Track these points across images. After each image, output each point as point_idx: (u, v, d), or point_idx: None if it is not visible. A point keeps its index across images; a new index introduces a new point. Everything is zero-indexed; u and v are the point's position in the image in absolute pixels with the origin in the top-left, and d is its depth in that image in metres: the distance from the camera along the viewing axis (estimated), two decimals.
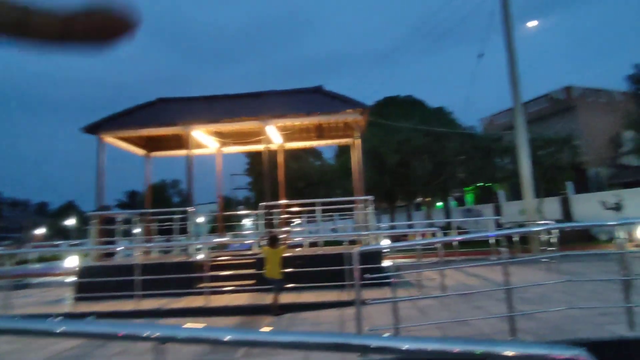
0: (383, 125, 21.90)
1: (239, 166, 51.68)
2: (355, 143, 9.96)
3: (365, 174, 22.14)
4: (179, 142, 11.24)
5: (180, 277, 7.42)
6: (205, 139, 10.62)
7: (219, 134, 10.96)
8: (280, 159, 11.32)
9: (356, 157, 10.26)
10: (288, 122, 8.67)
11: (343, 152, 30.13)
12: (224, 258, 9.14)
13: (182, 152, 11.34)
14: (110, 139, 9.31)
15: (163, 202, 63.39)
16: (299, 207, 10.84)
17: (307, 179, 38.16)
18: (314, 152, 51.90)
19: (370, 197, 8.20)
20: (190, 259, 8.02)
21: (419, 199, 29.04)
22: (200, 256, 8.53)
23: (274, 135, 10.38)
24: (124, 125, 8.88)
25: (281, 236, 6.76)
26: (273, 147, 11.18)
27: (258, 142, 11.18)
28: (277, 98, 9.60)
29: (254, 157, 48.59)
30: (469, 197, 34.76)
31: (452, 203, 34.44)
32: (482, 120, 34.29)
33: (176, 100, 10.11)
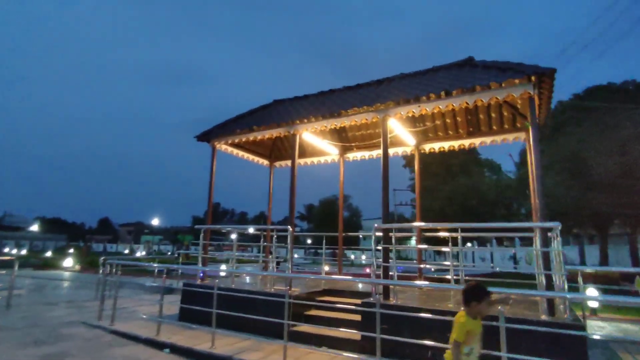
0: (585, 122, 15.96)
1: (403, 180, 49.13)
2: (530, 137, 6.43)
3: (558, 188, 16.49)
4: (304, 148, 9.89)
5: (266, 315, 5.72)
6: (322, 144, 8.89)
7: (335, 137, 9.07)
8: (416, 166, 8.56)
9: (533, 160, 6.66)
10: (417, 108, 5.99)
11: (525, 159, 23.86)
12: (333, 291, 7.07)
13: (307, 161, 9.98)
14: (223, 146, 8.61)
15: (332, 216, 66.69)
16: (446, 231, 7.83)
17: (479, 197, 32.63)
18: (490, 166, 44.91)
19: (553, 225, 4.72)
20: (282, 293, 6.25)
21: None
22: (298, 290, 6.70)
23: (403, 133, 7.78)
24: (232, 130, 7.97)
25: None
26: (405, 149, 8.56)
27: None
28: (407, 81, 7.05)
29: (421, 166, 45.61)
30: None
31: None
32: None
33: (292, 100, 8.77)
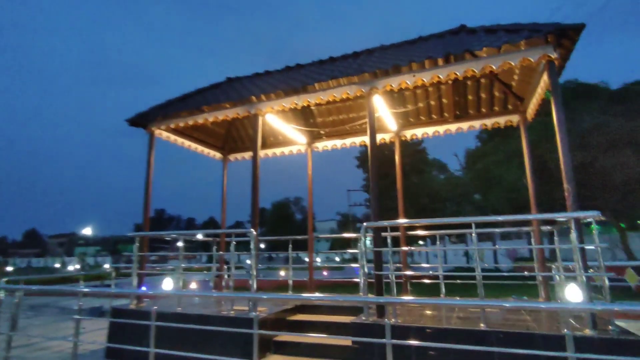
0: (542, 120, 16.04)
1: (356, 180, 48.83)
2: (555, 115, 5.58)
3: (519, 182, 16.48)
4: (265, 138, 8.45)
5: (223, 347, 4.25)
6: (288, 131, 7.52)
7: (302, 124, 7.75)
8: (397, 157, 7.48)
9: (559, 140, 5.79)
10: (412, 79, 4.85)
11: (479, 155, 23.97)
12: (308, 307, 5.78)
13: (268, 152, 8.55)
14: (165, 133, 6.93)
15: (285, 220, 65.13)
16: (425, 229, 6.82)
17: (430, 195, 32.92)
18: (437, 165, 45.94)
19: (592, 214, 3.78)
20: (246, 316, 4.79)
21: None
22: (265, 309, 5.27)
23: (386, 116, 6.65)
24: (176, 112, 6.35)
25: None
26: (384, 136, 7.45)
27: (362, 131, 7.57)
28: (392, 52, 5.91)
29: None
30: None
31: None
32: None
33: (250, 77, 7.31)
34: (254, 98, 5.69)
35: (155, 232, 6.97)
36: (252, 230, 5.26)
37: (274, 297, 4.90)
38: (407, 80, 4.90)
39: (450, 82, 6.56)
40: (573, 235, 3.88)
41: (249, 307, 5.10)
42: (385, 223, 4.85)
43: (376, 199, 4.90)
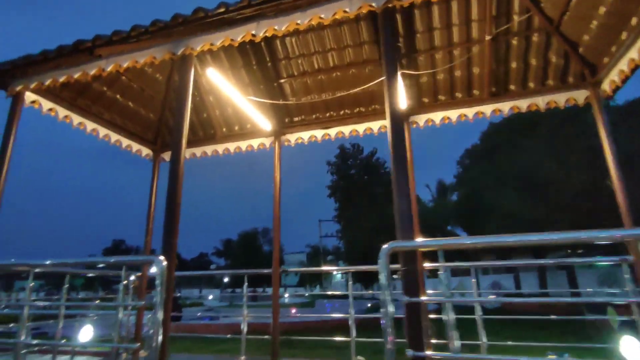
0: (538, 132, 14.68)
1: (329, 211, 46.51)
2: None
3: (520, 206, 14.58)
4: (214, 127, 5.95)
5: None
6: (246, 107, 5.05)
7: (270, 100, 5.34)
8: (407, 140, 5.01)
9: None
10: None
11: (465, 180, 21.88)
12: None
13: (221, 148, 6.04)
14: (45, 102, 4.33)
15: (254, 251, 61.08)
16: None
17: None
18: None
19: None
20: None
21: None
22: None
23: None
24: (58, 61, 3.79)
25: None
26: (384, 123, 5.15)
27: (352, 117, 5.22)
28: None
29: (345, 179, 42.82)
30: None
31: None
32: None
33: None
34: (179, 18, 3.26)
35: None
36: (161, 258, 2.65)
37: None
38: None
39: (487, 38, 4.43)
40: None
41: None
42: (421, 241, 2.42)
43: (409, 206, 2.47)
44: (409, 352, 2.05)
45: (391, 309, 2.11)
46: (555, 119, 14.40)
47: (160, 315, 2.51)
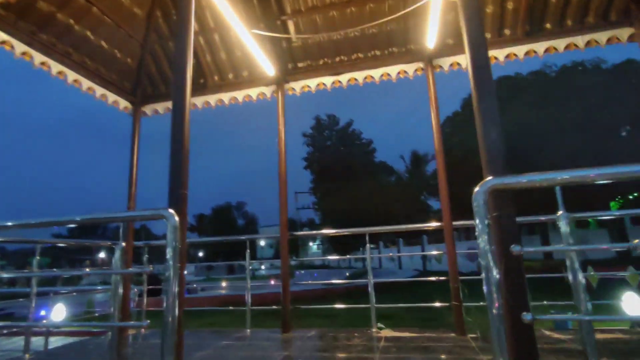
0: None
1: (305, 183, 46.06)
2: None
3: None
4: (209, 75, 5.16)
5: None
6: (249, 43, 4.30)
7: (271, 46, 4.62)
8: (431, 87, 4.40)
9: None
10: None
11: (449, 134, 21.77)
12: None
13: (212, 99, 5.30)
14: (3, 35, 3.45)
15: (227, 225, 60.10)
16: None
17: (383, 197, 31.29)
18: (384, 167, 44.54)
19: None
20: None
21: None
22: None
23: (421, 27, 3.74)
24: None
25: None
26: (408, 68, 4.51)
27: (377, 56, 4.61)
28: None
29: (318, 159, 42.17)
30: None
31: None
32: None
33: None
34: None
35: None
36: (171, 211, 2.01)
37: None
38: None
39: None
40: None
41: None
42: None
43: (497, 133, 1.96)
44: (527, 316, 1.59)
45: (495, 269, 1.61)
46: (541, 84, 14.32)
47: (175, 286, 1.93)
